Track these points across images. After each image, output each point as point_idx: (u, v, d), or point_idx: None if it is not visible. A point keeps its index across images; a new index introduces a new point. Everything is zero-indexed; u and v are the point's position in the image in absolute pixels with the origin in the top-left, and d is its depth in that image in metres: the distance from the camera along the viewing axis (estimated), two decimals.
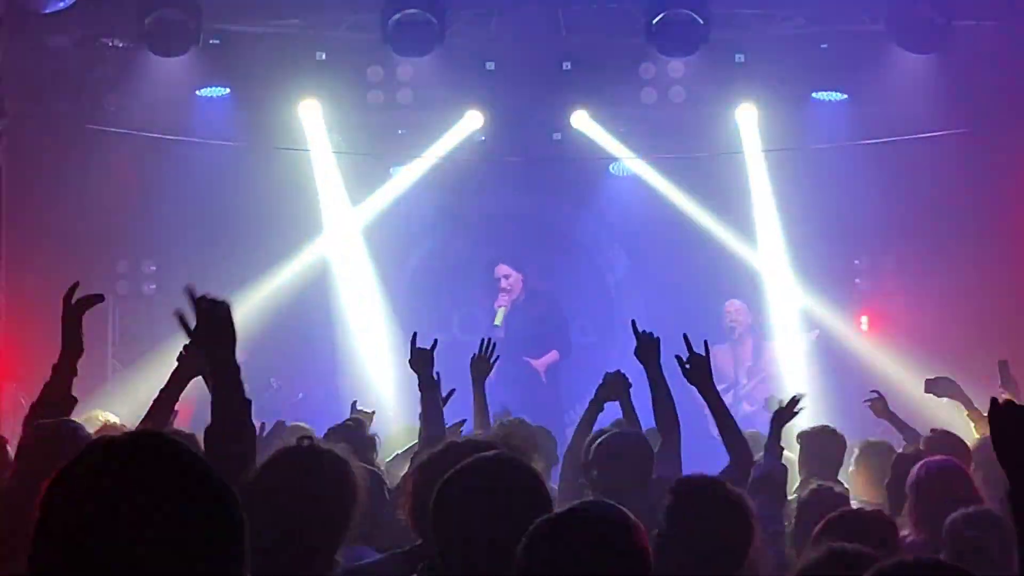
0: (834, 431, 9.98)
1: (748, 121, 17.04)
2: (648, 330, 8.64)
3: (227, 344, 4.98)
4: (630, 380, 9.59)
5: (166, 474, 2.52)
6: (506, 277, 16.73)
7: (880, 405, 11.02)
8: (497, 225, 18.23)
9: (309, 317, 17.31)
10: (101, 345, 16.30)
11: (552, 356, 16.62)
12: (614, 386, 9.61)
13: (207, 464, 2.58)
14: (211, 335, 5.00)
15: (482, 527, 4.29)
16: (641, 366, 8.61)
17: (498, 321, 16.44)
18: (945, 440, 9.25)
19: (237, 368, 4.97)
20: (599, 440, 8.05)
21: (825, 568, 4.97)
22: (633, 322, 8.74)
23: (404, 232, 18.22)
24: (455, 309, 17.90)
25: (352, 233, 17.76)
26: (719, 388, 16.27)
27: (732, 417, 8.17)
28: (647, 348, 8.55)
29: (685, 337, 8.04)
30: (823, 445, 9.77)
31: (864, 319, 17.50)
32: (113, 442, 2.57)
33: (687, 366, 8.10)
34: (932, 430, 9.78)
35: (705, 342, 8.12)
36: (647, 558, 4.00)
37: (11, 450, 7.32)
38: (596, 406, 9.56)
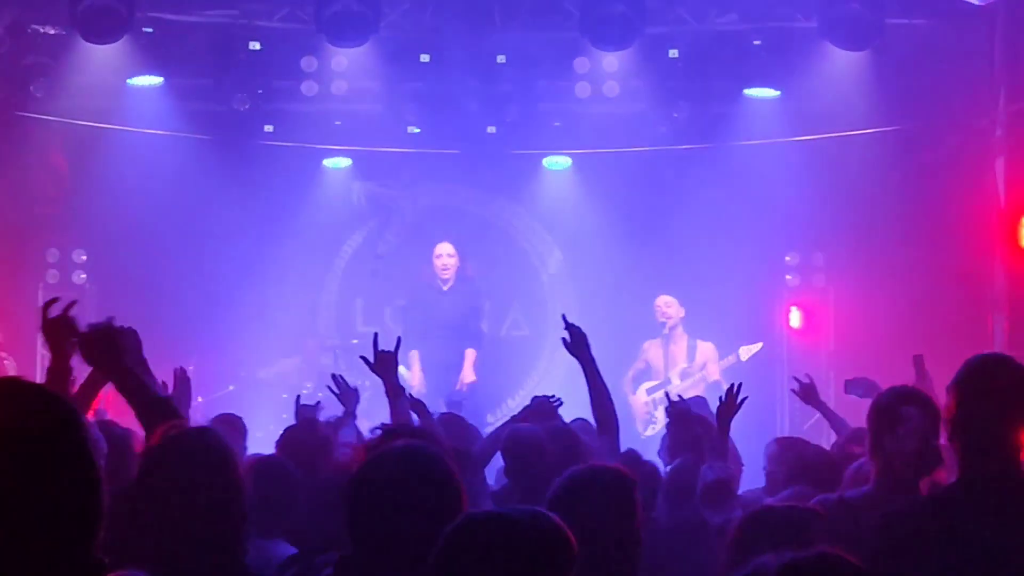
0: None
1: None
2: (576, 324, 8.55)
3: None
4: (560, 400, 9.56)
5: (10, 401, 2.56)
6: (449, 255, 16.62)
7: (807, 391, 10.55)
8: (429, 218, 18.24)
9: (239, 308, 17.17)
10: (32, 335, 15.94)
11: (471, 358, 16.48)
12: (541, 412, 9.36)
13: (50, 392, 2.63)
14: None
15: (393, 520, 4.24)
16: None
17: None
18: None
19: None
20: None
21: None
22: (563, 316, 8.61)
23: (336, 223, 18.29)
24: (387, 301, 17.93)
25: (284, 223, 17.78)
26: (649, 386, 16.38)
27: (606, 389, 8.34)
28: (578, 340, 8.44)
29: (564, 317, 8.48)
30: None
31: (795, 313, 17.45)
32: None
33: (566, 339, 8.38)
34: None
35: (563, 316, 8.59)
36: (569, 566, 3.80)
37: None
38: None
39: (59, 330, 6.31)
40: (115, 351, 5.73)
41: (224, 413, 10.02)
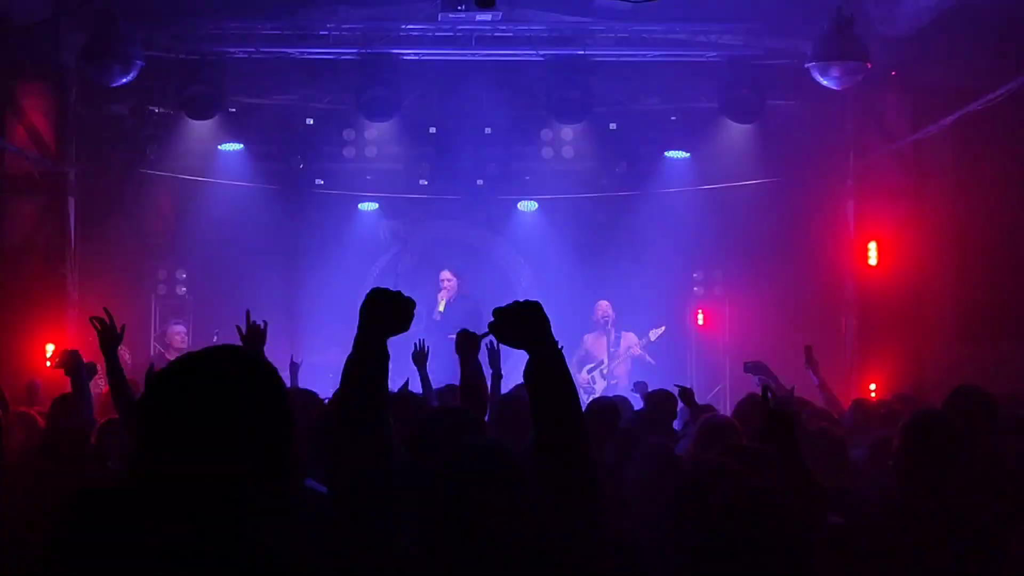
0: (670, 392, 9.66)
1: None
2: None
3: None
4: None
5: (241, 370, 2.46)
6: (448, 280, 16.56)
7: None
8: (435, 246, 18.23)
9: (298, 312, 17.02)
10: (145, 334, 16.30)
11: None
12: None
13: (270, 368, 2.52)
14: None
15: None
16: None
17: (441, 308, 16.29)
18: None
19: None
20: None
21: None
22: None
23: (367, 250, 18.17)
24: None
25: (329, 250, 17.67)
26: (589, 367, 16.34)
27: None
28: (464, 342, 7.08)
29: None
30: (663, 402, 9.38)
31: (700, 314, 17.71)
32: (204, 352, 2.53)
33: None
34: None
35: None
36: (526, 486, 3.66)
37: None
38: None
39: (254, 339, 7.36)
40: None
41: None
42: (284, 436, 2.45)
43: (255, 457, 2.37)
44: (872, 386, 14.65)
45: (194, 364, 2.46)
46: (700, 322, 17.60)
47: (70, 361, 8.18)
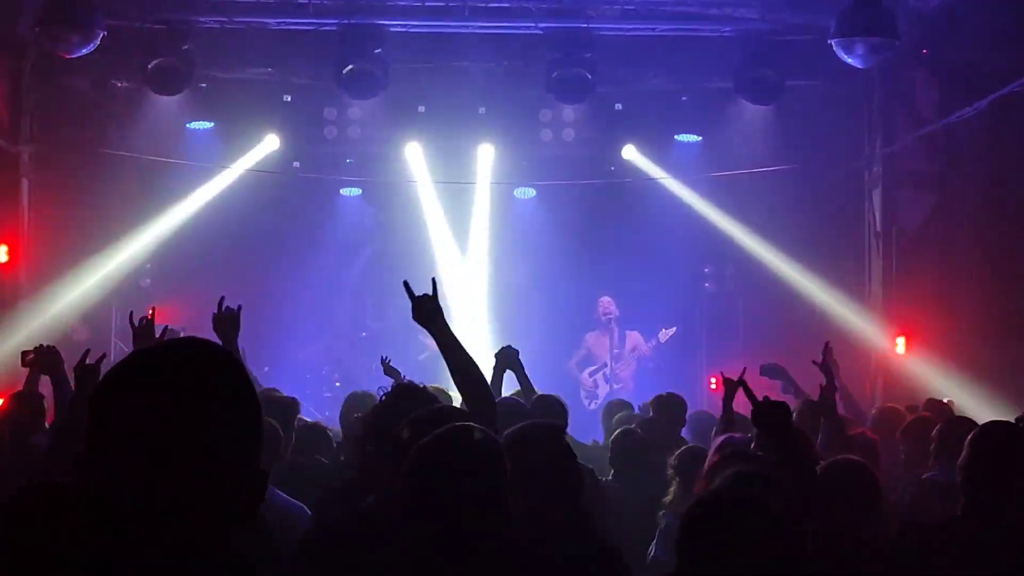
0: (678, 396, 9.86)
1: (631, 156, 16.96)
2: (425, 293, 5.87)
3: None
4: (517, 349, 8.91)
5: (202, 370, 2.36)
6: None
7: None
8: (423, 235, 17.72)
9: (272, 306, 16.51)
10: (106, 329, 15.85)
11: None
12: (506, 357, 8.79)
13: (240, 365, 2.42)
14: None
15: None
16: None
17: None
18: None
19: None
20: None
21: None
22: (405, 283, 5.92)
23: (351, 239, 17.81)
24: (390, 301, 17.39)
25: (307, 238, 17.39)
26: (591, 369, 16.05)
27: (464, 352, 5.63)
28: (423, 310, 5.85)
29: (405, 284, 5.88)
30: (671, 407, 9.66)
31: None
32: (158, 346, 2.46)
33: (415, 308, 5.79)
34: None
35: (433, 280, 5.90)
36: (503, 468, 3.90)
37: None
38: (498, 374, 8.70)
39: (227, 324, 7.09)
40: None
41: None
42: (252, 441, 2.39)
43: (218, 463, 2.31)
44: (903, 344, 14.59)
45: (153, 359, 2.39)
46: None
47: (48, 359, 7.82)
